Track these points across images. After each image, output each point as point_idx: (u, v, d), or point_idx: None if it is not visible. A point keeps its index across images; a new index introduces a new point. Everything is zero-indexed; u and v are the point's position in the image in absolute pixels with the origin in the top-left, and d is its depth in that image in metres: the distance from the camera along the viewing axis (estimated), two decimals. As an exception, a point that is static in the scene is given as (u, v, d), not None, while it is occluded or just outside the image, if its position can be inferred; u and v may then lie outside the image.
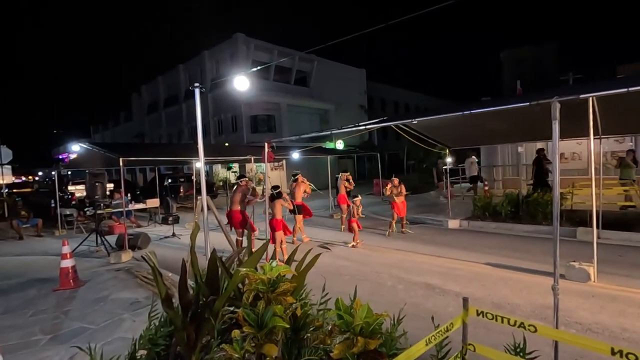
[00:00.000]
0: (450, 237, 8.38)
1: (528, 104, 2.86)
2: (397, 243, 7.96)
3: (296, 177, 8.71)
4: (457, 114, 3.79)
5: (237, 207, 7.34)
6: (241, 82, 4.89)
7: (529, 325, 1.63)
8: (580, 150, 13.15)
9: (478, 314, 1.82)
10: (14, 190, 18.14)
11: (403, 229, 8.92)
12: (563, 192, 8.88)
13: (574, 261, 5.07)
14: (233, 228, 7.46)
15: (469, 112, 3.52)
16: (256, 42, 25.03)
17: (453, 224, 9.40)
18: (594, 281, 4.86)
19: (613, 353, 1.36)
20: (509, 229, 8.51)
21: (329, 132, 5.75)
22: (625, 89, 2.77)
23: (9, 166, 15.15)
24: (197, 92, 4.13)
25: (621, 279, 4.95)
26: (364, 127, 5.12)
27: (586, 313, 3.98)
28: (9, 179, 16.14)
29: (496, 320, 1.75)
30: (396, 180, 8.77)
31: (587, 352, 3.14)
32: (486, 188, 13.24)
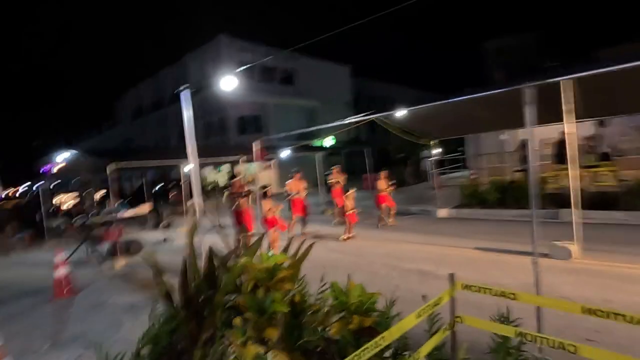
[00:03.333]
0: (440, 225, 8.58)
1: (502, 90, 3.01)
2: (389, 234, 8.12)
3: (294, 175, 8.80)
4: (438, 103, 3.93)
5: (238, 207, 7.36)
6: (228, 82, 4.95)
7: (509, 294, 1.76)
8: (561, 136, 13.52)
9: (464, 288, 1.95)
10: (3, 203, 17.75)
11: (392, 220, 9.10)
12: (545, 176, 9.16)
13: (558, 240, 5.28)
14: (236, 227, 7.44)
15: (448, 101, 3.66)
16: (240, 43, 24.94)
17: (442, 212, 9.61)
18: (577, 258, 5.08)
19: (584, 311, 1.50)
20: (497, 215, 8.75)
21: (316, 128, 5.84)
22: (593, 71, 2.94)
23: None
24: (184, 94, 4.17)
25: (603, 254, 5.19)
26: (348, 122, 5.23)
27: (570, 288, 4.18)
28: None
29: (480, 291, 1.88)
30: (383, 174, 9.00)
31: (570, 324, 3.34)
32: (473, 177, 13.52)
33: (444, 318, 2.23)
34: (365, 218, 10.11)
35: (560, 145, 8.93)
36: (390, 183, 8.92)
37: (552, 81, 3.02)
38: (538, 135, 8.63)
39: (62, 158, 10.81)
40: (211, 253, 2.95)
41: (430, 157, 17.85)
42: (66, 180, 17.36)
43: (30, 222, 12.45)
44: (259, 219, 7.35)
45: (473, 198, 9.71)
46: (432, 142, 10.19)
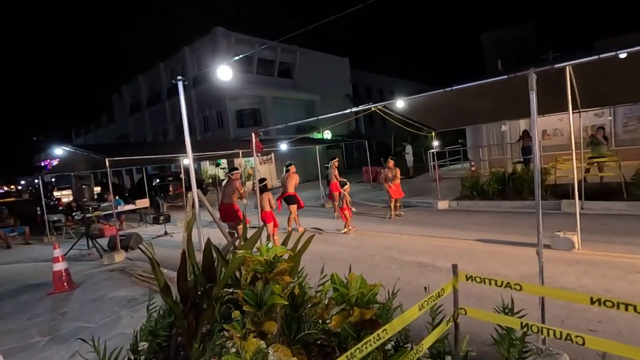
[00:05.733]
0: (440, 217, 8.55)
1: (507, 77, 2.94)
2: (389, 226, 8.09)
3: (289, 168, 8.71)
4: (439, 91, 3.86)
5: (229, 200, 7.32)
6: (224, 72, 4.86)
7: (515, 284, 1.72)
8: (562, 127, 13.47)
9: (467, 279, 1.91)
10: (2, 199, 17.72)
11: (397, 212, 9.05)
12: (546, 167, 9.11)
13: (559, 231, 5.25)
14: (225, 221, 7.45)
15: (449, 89, 3.59)
16: (236, 36, 24.65)
17: (442, 204, 9.58)
18: (578, 249, 5.06)
19: (586, 301, 1.46)
20: (497, 206, 8.72)
21: (315, 119, 5.77)
22: (597, 56, 2.87)
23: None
24: (180, 85, 4.10)
25: (603, 245, 5.16)
26: (348, 112, 5.16)
27: (571, 278, 4.16)
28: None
29: (484, 283, 1.84)
30: (391, 163, 8.88)
31: (573, 314, 3.31)
32: (473, 168, 13.47)
33: (446, 310, 2.19)
34: (366, 211, 10.09)
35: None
36: (395, 172, 8.81)
37: (559, 66, 2.95)
38: (539, 126, 8.55)
39: (60, 153, 10.72)
40: (209, 246, 2.91)
41: (410, 152, 17.81)
42: (66, 174, 17.30)
43: (30, 216, 12.43)
44: (250, 213, 7.31)
45: (473, 190, 9.67)
46: (432, 134, 10.11)
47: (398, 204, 9.17)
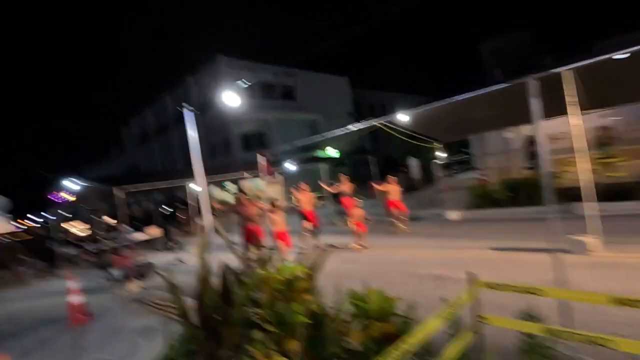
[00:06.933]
0: (452, 228, 8.47)
1: (506, 85, 3.00)
2: (401, 240, 8.03)
3: (301, 187, 8.78)
4: (441, 103, 3.92)
5: (251, 222, 7.31)
6: (230, 98, 5.00)
7: (536, 290, 1.72)
8: (570, 129, 13.38)
9: (486, 287, 1.90)
10: (14, 238, 18.01)
11: (400, 227, 8.98)
12: (556, 170, 9.03)
13: (576, 235, 5.17)
14: (249, 243, 7.37)
15: (451, 100, 3.66)
16: (238, 62, 25.38)
17: (453, 215, 9.50)
18: (596, 251, 4.96)
19: (614, 302, 1.45)
20: (509, 214, 8.62)
21: (321, 138, 5.86)
22: (593, 60, 2.92)
23: (7, 215, 15.13)
24: (187, 114, 4.23)
25: (621, 246, 5.06)
26: (352, 129, 5.25)
27: (596, 283, 4.06)
28: (5, 228, 15.97)
29: (503, 290, 1.84)
30: (390, 180, 8.97)
31: (598, 318, 3.23)
32: (482, 177, 13.38)
33: (466, 320, 2.17)
34: (376, 226, 10.03)
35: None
36: (391, 188, 8.91)
37: (555, 71, 3.00)
38: (544, 130, 8.54)
39: (71, 187, 10.96)
40: (225, 269, 2.93)
41: (416, 165, 17.81)
42: (77, 208, 17.57)
43: (42, 252, 12.58)
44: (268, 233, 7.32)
45: (483, 198, 9.60)
46: (436, 145, 10.15)
47: (403, 218, 9.12)
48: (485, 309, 2.03)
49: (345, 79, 33.72)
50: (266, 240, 7.44)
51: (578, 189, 7.56)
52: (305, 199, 8.52)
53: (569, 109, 5.06)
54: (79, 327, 5.36)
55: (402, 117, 5.65)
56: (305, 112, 28.51)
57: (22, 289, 9.67)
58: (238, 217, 7.51)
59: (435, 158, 13.69)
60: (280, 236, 6.96)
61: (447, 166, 16.10)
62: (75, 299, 5.57)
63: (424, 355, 2.11)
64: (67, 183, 11.33)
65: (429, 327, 1.65)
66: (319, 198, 11.09)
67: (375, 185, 9.14)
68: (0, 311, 7.49)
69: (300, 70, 28.84)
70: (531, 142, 12.17)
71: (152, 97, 32.90)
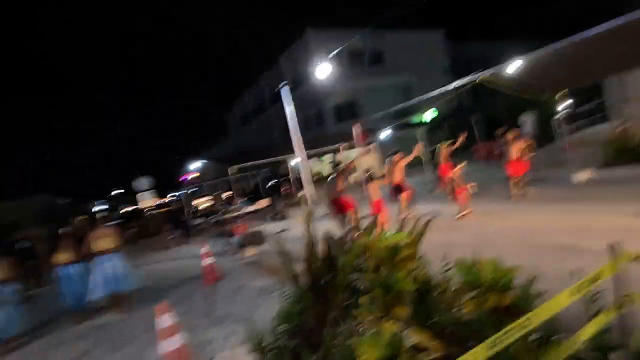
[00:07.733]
0: (579, 191, 7.27)
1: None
2: (513, 206, 7.25)
3: (392, 157, 8.48)
4: (564, 43, 3.24)
5: (338, 194, 7.48)
6: (322, 70, 5.03)
7: None
8: None
9: (633, 260, 1.58)
10: (159, 210, 22.04)
11: (521, 191, 7.97)
12: None
13: None
14: (340, 214, 7.58)
15: (580, 38, 2.98)
16: (326, 33, 25.29)
17: (580, 176, 8.11)
18: None
19: None
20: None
21: (415, 101, 5.52)
22: None
23: (151, 191, 18.60)
24: (284, 91, 4.41)
25: None
26: (449, 88, 4.78)
27: None
28: (152, 202, 19.64)
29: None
30: (510, 136, 7.87)
31: None
32: (621, 128, 11.02)
33: (606, 298, 1.86)
34: (483, 191, 9.21)
35: None
36: (517, 146, 7.70)
37: None
38: None
39: (194, 168, 12.69)
40: (328, 237, 3.07)
41: (530, 121, 15.26)
42: (200, 185, 20.42)
43: (179, 222, 15.12)
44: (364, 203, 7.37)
45: (623, 154, 7.93)
46: (557, 96, 8.65)
47: (522, 183, 8.06)
48: (633, 287, 1.69)
49: (438, 34, 30.74)
50: (362, 211, 7.50)
51: None
52: (397, 169, 8.20)
53: None
54: (210, 285, 6.34)
55: (514, 65, 4.89)
56: (396, 76, 27.19)
57: (166, 252, 11.83)
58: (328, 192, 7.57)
59: (554, 112, 11.74)
60: (378, 206, 6.93)
61: (571, 119, 13.68)
62: (207, 261, 6.58)
63: (553, 332, 1.89)
64: (192, 165, 13.21)
65: (560, 302, 1.46)
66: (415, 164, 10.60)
67: (485, 147, 8.14)
68: (151, 270, 9.33)
69: (388, 32, 27.30)
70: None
71: (250, 81, 35.43)
